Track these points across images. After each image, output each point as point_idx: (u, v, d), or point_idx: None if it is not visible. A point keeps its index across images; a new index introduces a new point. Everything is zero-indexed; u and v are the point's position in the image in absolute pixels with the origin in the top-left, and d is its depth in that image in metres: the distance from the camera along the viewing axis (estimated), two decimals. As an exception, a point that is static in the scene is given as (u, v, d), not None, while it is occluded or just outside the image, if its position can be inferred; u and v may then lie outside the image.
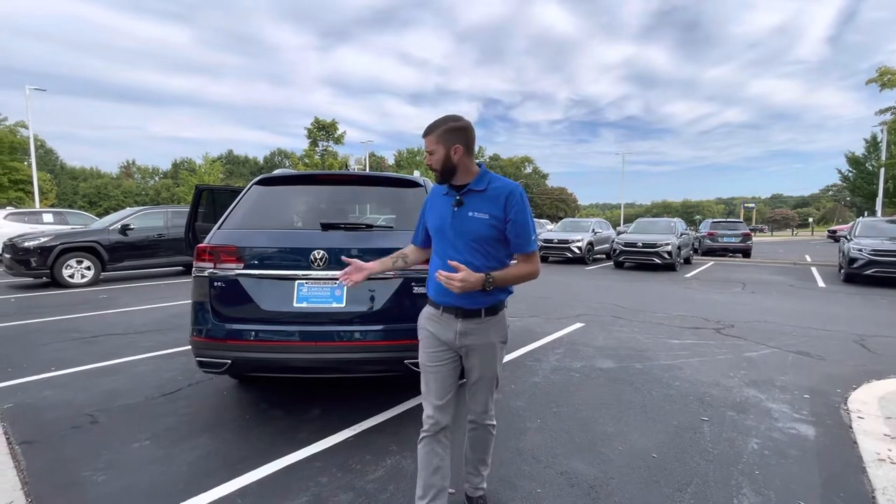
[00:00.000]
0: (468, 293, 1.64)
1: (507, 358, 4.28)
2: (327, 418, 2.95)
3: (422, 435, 1.77)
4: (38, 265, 8.14)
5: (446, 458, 1.78)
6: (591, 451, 2.55)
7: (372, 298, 2.67)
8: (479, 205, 1.67)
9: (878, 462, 2.40)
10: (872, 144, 27.87)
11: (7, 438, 2.63)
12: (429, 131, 1.70)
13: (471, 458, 1.98)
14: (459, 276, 1.57)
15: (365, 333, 2.64)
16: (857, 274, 9.40)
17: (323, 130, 41.01)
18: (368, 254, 2.64)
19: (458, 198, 1.70)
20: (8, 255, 8.31)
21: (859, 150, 28.90)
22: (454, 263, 1.60)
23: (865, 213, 28.32)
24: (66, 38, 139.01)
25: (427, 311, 1.83)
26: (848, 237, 10.53)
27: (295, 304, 2.67)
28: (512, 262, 1.75)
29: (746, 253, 16.35)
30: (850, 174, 29.56)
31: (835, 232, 28.33)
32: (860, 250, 9.37)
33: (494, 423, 1.93)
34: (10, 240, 8.53)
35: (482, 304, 1.71)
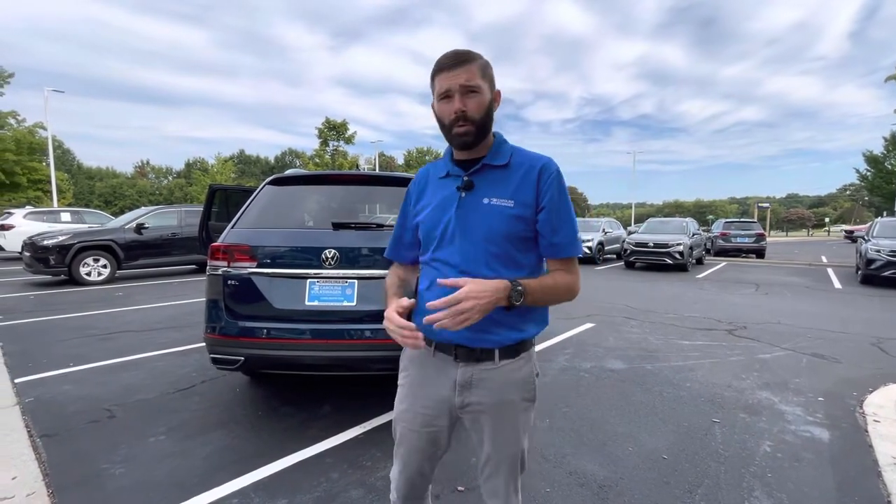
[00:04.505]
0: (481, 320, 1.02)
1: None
2: (338, 415, 2.98)
3: (392, 499, 1.35)
4: (57, 263, 8.32)
5: None
6: (600, 452, 2.55)
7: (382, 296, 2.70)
8: (497, 187, 1.12)
9: (893, 466, 2.36)
10: (892, 143, 27.28)
11: (28, 431, 2.70)
12: (467, 57, 1.08)
13: None
14: (461, 295, 0.97)
15: (376, 332, 2.66)
16: (874, 275, 9.20)
17: (333, 130, 41.30)
18: (378, 253, 2.68)
19: (465, 178, 1.14)
20: (27, 254, 8.50)
21: (878, 148, 28.31)
22: (447, 281, 1.03)
23: (884, 213, 27.72)
24: (83, 40, 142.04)
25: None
26: (866, 238, 10.32)
27: (306, 303, 2.70)
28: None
29: (760, 253, 16.11)
30: (869, 173, 28.98)
31: (852, 232, 27.79)
32: (878, 251, 9.18)
33: None
34: (29, 238, 8.72)
35: (496, 340, 1.12)
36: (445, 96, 1.09)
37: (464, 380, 1.15)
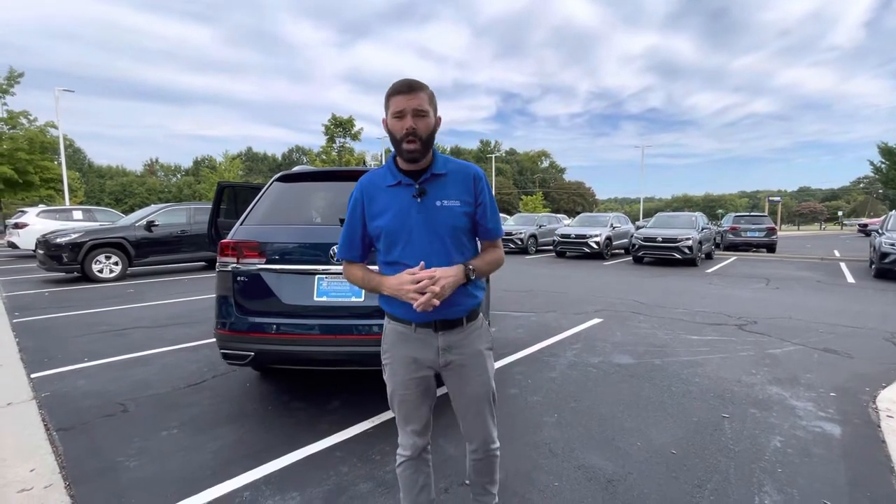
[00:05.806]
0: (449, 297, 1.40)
1: (524, 353, 4.28)
2: (347, 410, 3.01)
3: (401, 459, 1.61)
4: (70, 260, 8.46)
5: (431, 472, 1.67)
6: (608, 446, 2.55)
7: None
8: (444, 191, 1.42)
9: (907, 462, 2.33)
10: (907, 134, 26.70)
11: (45, 425, 2.76)
12: (419, 87, 1.34)
13: (476, 481, 1.72)
14: (433, 275, 1.32)
15: (383, 327, 2.67)
16: (888, 269, 9.05)
17: (340, 127, 41.45)
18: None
19: (418, 186, 1.40)
20: (41, 251, 8.65)
21: (893, 140, 27.77)
22: (413, 271, 1.34)
23: (899, 206, 27.21)
24: (92, 40, 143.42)
25: (393, 330, 1.53)
26: (880, 231, 10.15)
27: (315, 298, 2.73)
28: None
29: (771, 248, 15.91)
30: (883, 165, 28.43)
31: (866, 226, 27.32)
32: (892, 244, 9.03)
33: (498, 445, 1.64)
34: (42, 236, 8.88)
35: (464, 309, 1.48)
36: (399, 115, 1.34)
37: (445, 344, 1.48)
